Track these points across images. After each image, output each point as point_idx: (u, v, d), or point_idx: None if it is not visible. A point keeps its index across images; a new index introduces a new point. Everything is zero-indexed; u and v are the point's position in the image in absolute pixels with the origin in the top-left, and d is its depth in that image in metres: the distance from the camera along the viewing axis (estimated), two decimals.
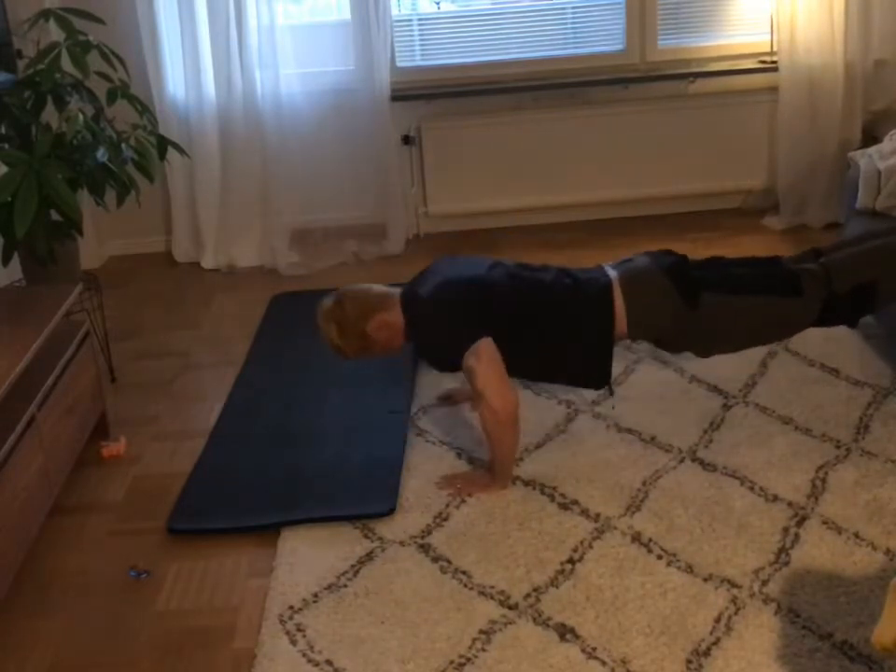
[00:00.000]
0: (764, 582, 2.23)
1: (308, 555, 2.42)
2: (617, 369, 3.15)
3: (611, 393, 2.76)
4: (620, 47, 4.33)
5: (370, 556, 2.41)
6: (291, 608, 2.26)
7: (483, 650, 2.10)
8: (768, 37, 4.23)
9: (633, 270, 2.62)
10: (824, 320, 2.63)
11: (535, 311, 2.58)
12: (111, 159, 3.20)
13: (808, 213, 4.32)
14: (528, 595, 2.24)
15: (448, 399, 3.08)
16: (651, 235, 4.28)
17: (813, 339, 3.28)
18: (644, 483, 2.61)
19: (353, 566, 2.38)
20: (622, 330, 2.58)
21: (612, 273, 2.62)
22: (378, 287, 2.71)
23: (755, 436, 2.79)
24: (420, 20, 4.32)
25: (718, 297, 2.54)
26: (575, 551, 2.38)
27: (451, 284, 2.59)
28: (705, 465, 2.67)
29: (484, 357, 2.49)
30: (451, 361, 2.58)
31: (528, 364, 2.63)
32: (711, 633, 2.10)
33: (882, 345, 3.20)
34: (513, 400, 2.53)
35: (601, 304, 2.56)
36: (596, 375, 2.63)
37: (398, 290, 2.69)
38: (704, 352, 2.68)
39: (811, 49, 4.10)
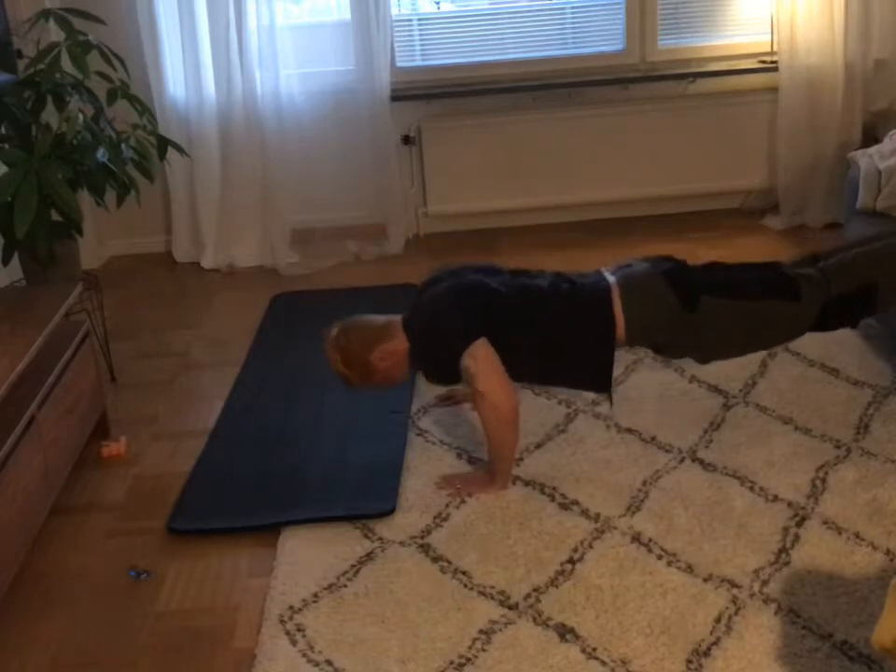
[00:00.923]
0: (764, 582, 2.23)
1: (308, 555, 2.42)
2: (617, 369, 3.15)
3: (611, 403, 2.78)
4: (619, 47, 4.33)
5: (370, 556, 2.41)
6: (291, 608, 2.26)
7: (483, 650, 2.09)
8: (768, 37, 4.24)
9: (631, 275, 2.62)
10: (823, 324, 2.63)
11: (533, 317, 2.58)
12: (111, 159, 3.20)
13: (808, 213, 4.33)
14: (528, 595, 2.24)
15: (448, 399, 3.08)
16: (651, 235, 4.28)
17: (813, 339, 3.26)
18: (644, 483, 2.61)
19: (353, 566, 2.38)
20: (620, 336, 2.57)
21: (611, 279, 2.61)
22: (380, 318, 2.72)
23: (755, 436, 2.79)
24: (420, 20, 4.32)
25: (716, 301, 2.54)
26: (575, 551, 2.38)
27: (445, 296, 2.61)
28: (705, 465, 2.67)
29: (481, 356, 2.50)
30: (454, 369, 2.56)
31: (528, 369, 2.63)
32: (711, 633, 2.09)
33: (882, 345, 3.21)
34: (515, 398, 2.53)
35: (600, 309, 2.55)
36: (598, 380, 2.63)
37: (399, 318, 2.70)
38: (702, 358, 2.69)
39: (811, 49, 4.10)
